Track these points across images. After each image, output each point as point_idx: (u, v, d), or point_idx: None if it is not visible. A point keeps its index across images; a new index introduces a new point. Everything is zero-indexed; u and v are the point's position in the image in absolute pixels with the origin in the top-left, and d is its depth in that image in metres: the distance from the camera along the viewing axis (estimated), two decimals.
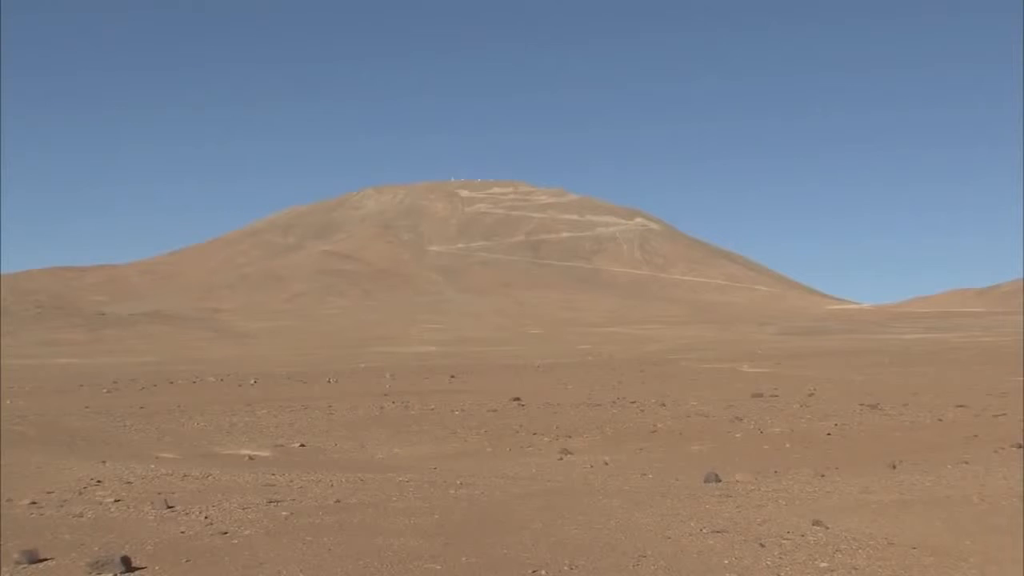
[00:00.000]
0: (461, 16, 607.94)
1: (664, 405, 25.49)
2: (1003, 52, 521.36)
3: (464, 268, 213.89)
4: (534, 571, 7.05)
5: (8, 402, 28.89)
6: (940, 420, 20.25)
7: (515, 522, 8.94)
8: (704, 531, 8.38)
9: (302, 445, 19.39)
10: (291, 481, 11.99)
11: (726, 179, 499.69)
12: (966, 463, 13.66)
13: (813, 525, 8.63)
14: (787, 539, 8.03)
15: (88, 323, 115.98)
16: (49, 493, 10.61)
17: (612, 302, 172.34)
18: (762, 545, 7.78)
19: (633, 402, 26.66)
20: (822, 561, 7.29)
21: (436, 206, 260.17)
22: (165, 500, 9.85)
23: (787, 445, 17.68)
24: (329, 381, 40.85)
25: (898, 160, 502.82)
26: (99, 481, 11.66)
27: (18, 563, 7.07)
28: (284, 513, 9.31)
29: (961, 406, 22.81)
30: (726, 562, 7.29)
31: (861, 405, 24.03)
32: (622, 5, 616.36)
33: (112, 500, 10.11)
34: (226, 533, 8.28)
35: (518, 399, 27.96)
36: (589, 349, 76.78)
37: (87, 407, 26.94)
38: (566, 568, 7.12)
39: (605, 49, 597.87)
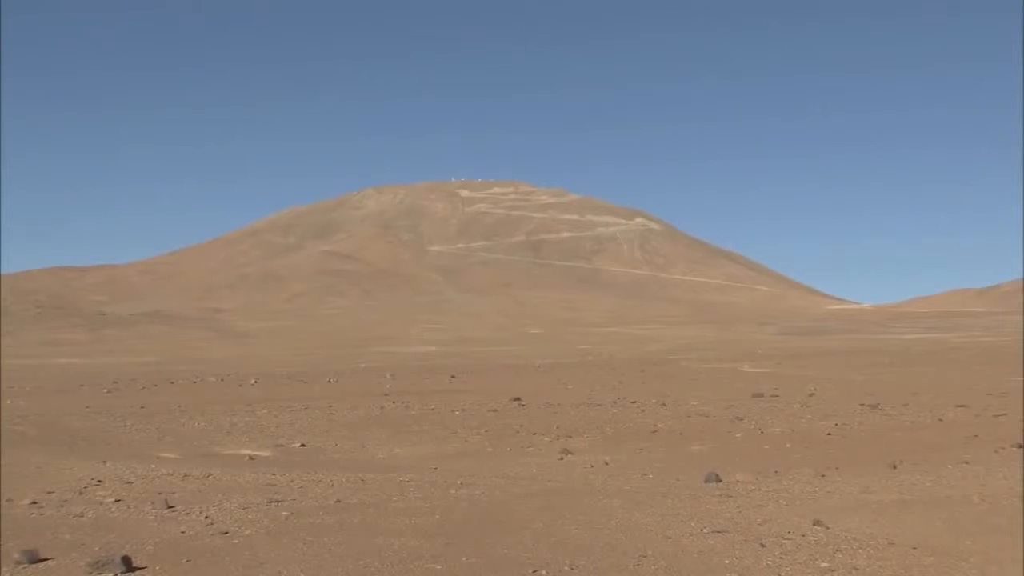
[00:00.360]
0: (461, 16, 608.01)
1: (664, 405, 25.49)
2: (1003, 52, 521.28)
3: (464, 268, 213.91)
4: (534, 571, 7.04)
5: (8, 402, 28.90)
6: (940, 420, 20.25)
7: (515, 522, 8.94)
8: (705, 531, 8.38)
9: (302, 445, 19.39)
10: (291, 481, 11.99)
11: (726, 179, 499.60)
12: (966, 463, 13.66)
13: (814, 525, 8.63)
14: (788, 539, 8.03)
15: (88, 323, 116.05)
16: (49, 493, 10.61)
17: (612, 302, 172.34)
18: (763, 545, 7.78)
19: (633, 402, 26.66)
20: (823, 561, 7.29)
21: (436, 206, 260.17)
22: (165, 500, 9.86)
23: (787, 445, 17.68)
24: (329, 381, 40.85)
25: (898, 160, 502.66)
26: (99, 481, 11.67)
27: (18, 563, 7.07)
28: (285, 513, 9.31)
29: (961, 406, 22.81)
30: (727, 562, 7.29)
31: (861, 405, 24.03)
32: (622, 5, 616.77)
33: (112, 500, 10.12)
34: (227, 533, 8.28)
35: (518, 399, 27.95)
36: (589, 349, 76.78)
37: (87, 407, 26.94)
38: (566, 568, 7.12)
39: (605, 49, 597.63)
